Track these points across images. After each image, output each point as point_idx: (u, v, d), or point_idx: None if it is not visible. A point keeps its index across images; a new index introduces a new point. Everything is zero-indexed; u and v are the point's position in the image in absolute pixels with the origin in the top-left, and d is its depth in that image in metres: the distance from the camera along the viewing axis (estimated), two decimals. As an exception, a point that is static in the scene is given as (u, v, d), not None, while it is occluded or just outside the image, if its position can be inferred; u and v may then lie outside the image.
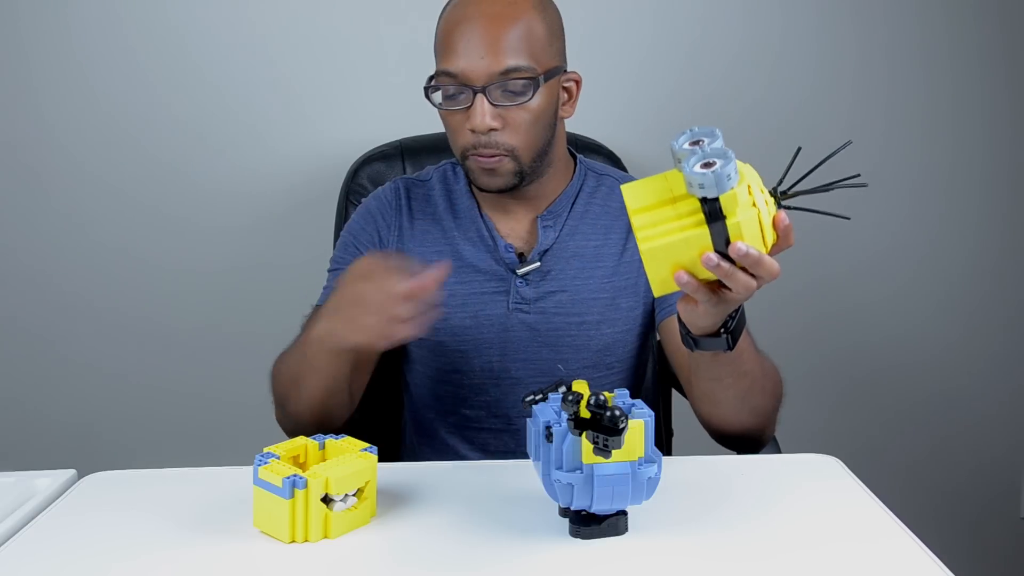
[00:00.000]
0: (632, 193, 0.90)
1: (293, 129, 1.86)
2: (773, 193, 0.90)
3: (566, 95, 1.26)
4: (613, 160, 1.58)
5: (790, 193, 0.90)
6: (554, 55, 1.21)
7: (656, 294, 0.93)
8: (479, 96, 1.15)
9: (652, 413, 0.86)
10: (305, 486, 0.87)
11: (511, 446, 1.28)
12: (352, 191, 1.54)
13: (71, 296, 1.89)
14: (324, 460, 0.95)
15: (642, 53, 1.87)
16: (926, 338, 2.01)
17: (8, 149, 1.85)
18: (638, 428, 0.83)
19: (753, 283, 0.90)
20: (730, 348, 1.01)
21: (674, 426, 1.57)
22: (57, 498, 1.00)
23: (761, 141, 1.89)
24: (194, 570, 0.85)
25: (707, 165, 0.84)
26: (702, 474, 1.04)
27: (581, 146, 1.51)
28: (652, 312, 1.30)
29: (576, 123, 1.41)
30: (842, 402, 2.03)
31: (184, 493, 1.02)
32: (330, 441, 0.96)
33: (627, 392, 0.90)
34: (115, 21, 1.82)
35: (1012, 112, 1.95)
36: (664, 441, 1.53)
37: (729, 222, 0.85)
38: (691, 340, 1.03)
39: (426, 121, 1.51)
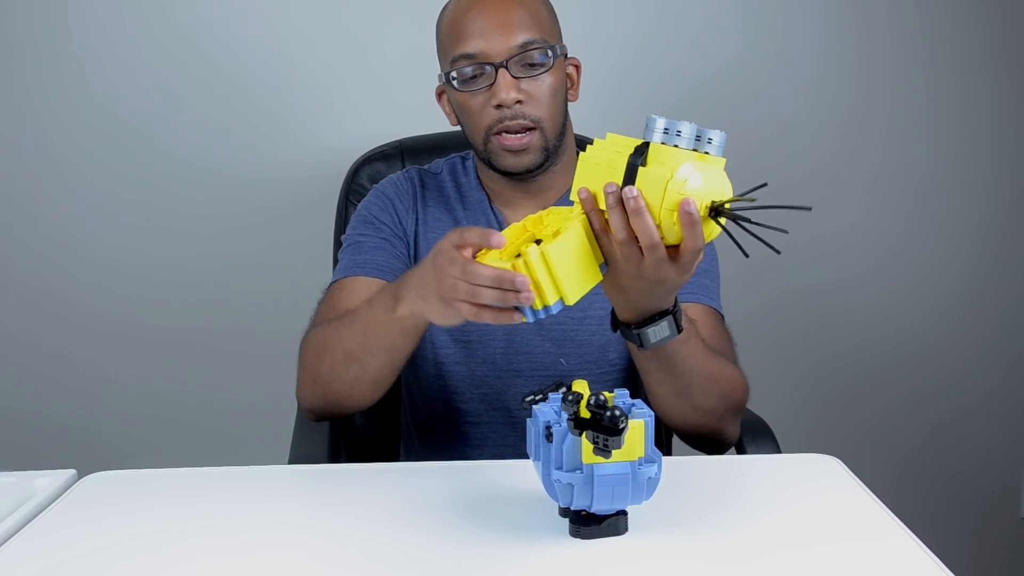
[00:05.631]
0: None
1: (293, 129, 1.86)
2: (713, 205, 0.88)
3: (569, 80, 1.29)
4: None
5: (726, 207, 0.87)
6: (558, 36, 1.27)
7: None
8: (501, 71, 1.19)
9: (652, 413, 0.85)
10: None
11: (511, 439, 1.28)
12: (352, 191, 1.54)
13: (71, 296, 1.89)
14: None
15: (649, 52, 1.87)
16: (926, 339, 2.01)
17: (2, 151, 1.85)
18: (638, 428, 0.83)
19: (622, 234, 0.89)
20: (640, 346, 1.02)
21: (674, 426, 1.56)
22: (57, 498, 1.00)
23: (762, 143, 1.89)
24: (194, 570, 0.85)
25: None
26: (702, 474, 1.04)
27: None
28: None
29: (585, 125, 1.41)
30: (842, 402, 2.03)
31: (184, 493, 1.02)
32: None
33: (627, 392, 0.90)
34: (117, 18, 1.82)
35: (1015, 114, 1.95)
36: (664, 441, 1.53)
37: (641, 168, 0.88)
38: (611, 317, 1.05)
39: (426, 121, 1.51)
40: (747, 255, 0.87)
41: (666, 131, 0.88)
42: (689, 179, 0.87)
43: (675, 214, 0.87)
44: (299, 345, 1.23)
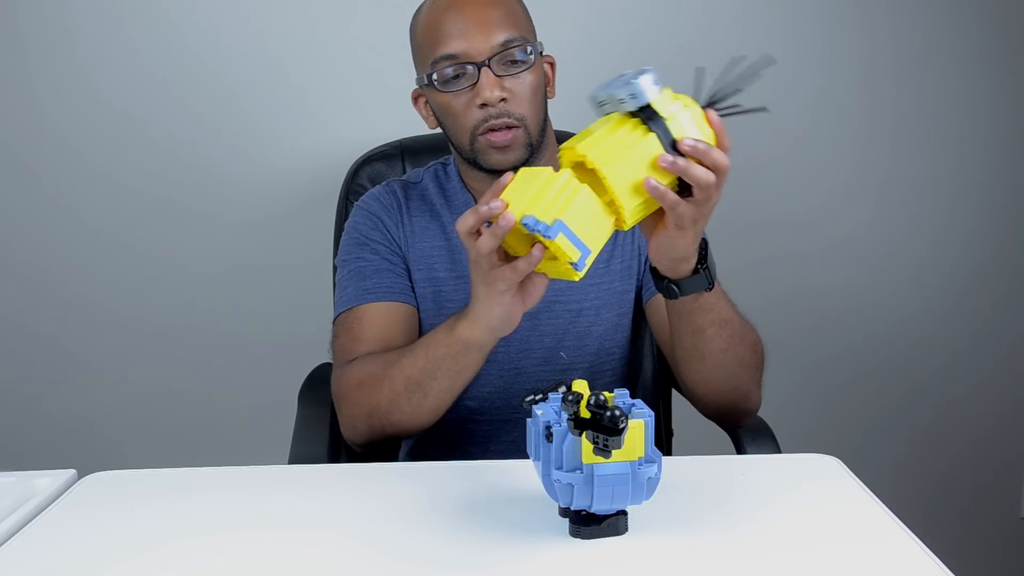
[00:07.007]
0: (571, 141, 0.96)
1: (293, 129, 1.87)
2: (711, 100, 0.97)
3: (546, 78, 1.29)
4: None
5: (710, 104, 0.97)
6: (533, 33, 1.27)
7: (625, 207, 0.94)
8: (484, 70, 1.19)
9: (652, 413, 0.86)
10: None
11: (514, 436, 1.28)
12: (352, 191, 1.54)
13: (72, 296, 1.90)
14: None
15: (634, 49, 1.87)
16: (926, 339, 2.01)
17: (7, 146, 1.85)
18: (638, 428, 0.83)
19: (711, 177, 0.94)
20: (710, 285, 1.05)
21: (674, 426, 1.57)
22: (57, 498, 1.00)
23: (758, 143, 1.89)
24: (194, 570, 0.85)
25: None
26: (702, 474, 1.04)
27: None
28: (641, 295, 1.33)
29: (568, 121, 1.41)
30: (842, 402, 2.03)
31: (184, 493, 1.02)
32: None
33: (627, 392, 0.90)
34: (116, 19, 1.82)
35: (1015, 117, 1.95)
36: (664, 441, 1.53)
37: (669, 123, 0.92)
38: (673, 288, 1.06)
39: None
40: (766, 109, 0.96)
41: (633, 96, 0.91)
42: (697, 102, 0.96)
43: (711, 129, 0.95)
44: (334, 386, 1.22)
